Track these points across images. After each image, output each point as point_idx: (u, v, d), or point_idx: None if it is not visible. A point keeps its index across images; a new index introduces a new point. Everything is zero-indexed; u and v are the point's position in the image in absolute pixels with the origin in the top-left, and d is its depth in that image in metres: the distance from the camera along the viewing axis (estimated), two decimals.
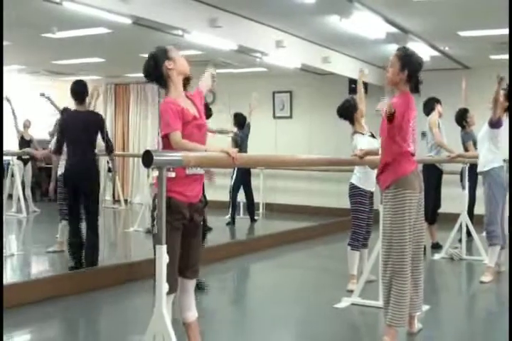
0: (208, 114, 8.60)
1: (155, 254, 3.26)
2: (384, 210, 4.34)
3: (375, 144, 5.30)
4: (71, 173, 6.09)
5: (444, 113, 8.02)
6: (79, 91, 6.26)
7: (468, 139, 8.40)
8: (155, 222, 3.32)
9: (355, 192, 5.85)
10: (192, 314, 3.66)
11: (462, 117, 8.51)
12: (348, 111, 5.88)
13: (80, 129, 6.08)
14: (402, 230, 4.21)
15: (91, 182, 6.14)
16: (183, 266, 3.49)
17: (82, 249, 6.14)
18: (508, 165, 6.51)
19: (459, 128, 8.70)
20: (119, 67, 11.50)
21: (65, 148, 6.32)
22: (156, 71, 3.66)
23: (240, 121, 9.95)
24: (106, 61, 10.47)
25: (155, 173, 2.96)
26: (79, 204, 6.14)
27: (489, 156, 6.45)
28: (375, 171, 4.63)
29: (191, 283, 3.63)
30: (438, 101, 7.95)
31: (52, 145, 6.98)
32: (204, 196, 9.91)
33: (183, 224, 3.45)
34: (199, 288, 5.26)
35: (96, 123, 6.30)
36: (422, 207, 4.38)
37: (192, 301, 3.66)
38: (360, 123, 5.89)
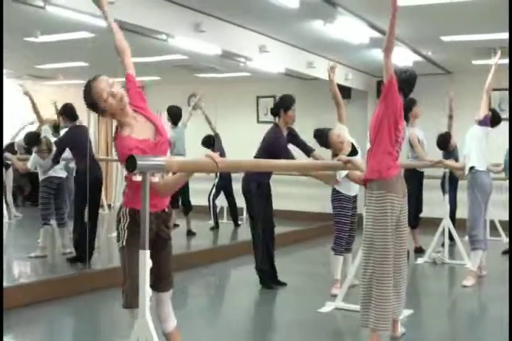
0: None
1: (123, 270, 3.31)
2: (366, 213, 4.36)
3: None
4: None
5: (425, 116, 8.01)
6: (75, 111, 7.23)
7: (449, 158, 8.33)
8: (121, 236, 3.31)
9: (337, 196, 5.88)
10: (170, 323, 3.54)
11: (445, 142, 8.42)
12: (322, 141, 5.84)
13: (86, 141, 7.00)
14: (384, 233, 4.23)
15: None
16: (155, 280, 3.23)
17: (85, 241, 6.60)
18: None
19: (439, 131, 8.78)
20: (103, 71, 11.29)
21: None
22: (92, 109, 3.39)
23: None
24: (89, 65, 10.43)
25: (138, 178, 2.93)
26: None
27: (480, 158, 6.51)
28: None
29: (166, 295, 3.49)
30: (414, 102, 7.83)
31: (33, 162, 7.22)
32: (189, 201, 9.96)
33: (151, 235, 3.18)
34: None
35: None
36: (405, 211, 4.40)
37: (169, 311, 3.53)
38: (337, 146, 5.79)
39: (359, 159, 5.10)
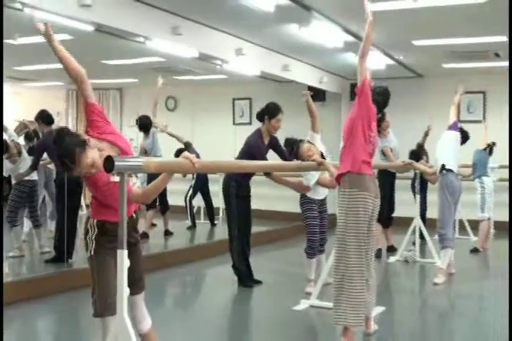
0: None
1: (92, 279, 3.32)
2: (339, 211, 4.38)
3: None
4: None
5: (397, 119, 8.05)
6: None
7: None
8: (89, 246, 3.33)
9: (304, 200, 5.90)
10: (145, 324, 3.55)
11: (417, 158, 8.18)
12: (291, 152, 5.72)
13: None
14: (356, 231, 4.24)
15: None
16: (128, 284, 3.02)
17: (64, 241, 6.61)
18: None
19: (412, 134, 8.84)
20: None
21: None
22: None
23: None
24: None
25: (116, 178, 2.91)
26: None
27: (450, 161, 6.59)
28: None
29: (139, 298, 3.50)
30: (383, 117, 7.29)
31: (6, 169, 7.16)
32: (166, 201, 9.92)
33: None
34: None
35: None
36: (376, 212, 4.43)
37: (144, 312, 3.54)
38: (305, 159, 5.59)
39: (330, 163, 5.13)
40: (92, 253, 3.34)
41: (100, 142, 3.24)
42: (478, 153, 8.45)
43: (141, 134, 8.80)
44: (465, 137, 7.08)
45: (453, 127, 6.76)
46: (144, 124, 8.73)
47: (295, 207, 6.02)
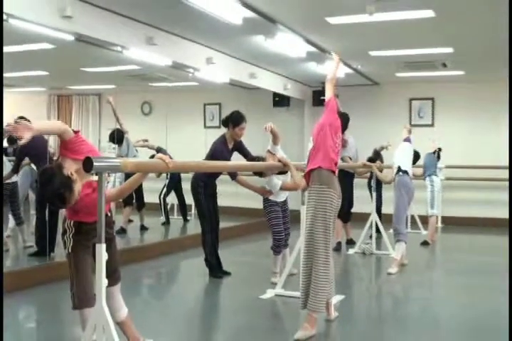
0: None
1: (70, 275, 3.35)
2: (307, 206, 4.42)
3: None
4: None
5: (355, 122, 8.09)
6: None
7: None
8: (67, 244, 3.33)
9: (266, 203, 5.90)
10: (122, 312, 3.56)
11: (375, 160, 8.44)
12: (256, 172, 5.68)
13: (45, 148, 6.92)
14: (324, 225, 4.27)
15: None
16: (105, 276, 2.97)
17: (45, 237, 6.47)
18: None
19: (369, 136, 8.89)
20: (62, 79, 11.25)
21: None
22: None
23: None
24: (50, 74, 10.23)
25: (95, 178, 2.89)
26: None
27: (406, 165, 6.86)
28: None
29: (116, 288, 3.52)
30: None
31: None
32: (142, 198, 9.83)
33: (94, 242, 2.97)
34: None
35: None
36: (338, 208, 4.47)
37: (120, 302, 3.56)
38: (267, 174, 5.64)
39: (293, 164, 5.16)
40: (70, 250, 3.35)
41: (77, 163, 3.10)
42: (428, 156, 8.66)
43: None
44: (416, 156, 7.47)
45: (407, 140, 7.04)
46: (113, 137, 8.71)
47: (260, 204, 6.02)
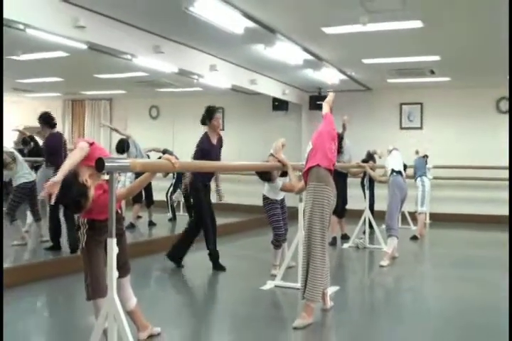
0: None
1: (85, 268, 3.36)
2: (306, 203, 4.42)
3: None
4: None
5: (349, 128, 8.08)
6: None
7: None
8: (81, 239, 3.37)
9: (266, 202, 5.91)
10: (131, 302, 3.58)
11: (371, 157, 8.85)
12: (265, 177, 5.67)
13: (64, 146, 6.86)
14: (321, 221, 4.27)
15: None
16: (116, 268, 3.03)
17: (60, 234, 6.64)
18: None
19: (362, 139, 8.89)
20: (76, 85, 11.27)
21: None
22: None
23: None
24: (64, 80, 10.24)
25: (106, 177, 2.91)
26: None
27: (400, 167, 7.04)
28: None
29: (125, 280, 3.54)
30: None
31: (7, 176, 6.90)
32: (151, 196, 9.83)
33: (106, 237, 3.01)
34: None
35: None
36: (334, 205, 4.47)
37: (129, 292, 3.58)
38: (274, 178, 5.69)
39: (290, 168, 5.20)
40: (84, 245, 3.37)
41: (89, 169, 3.16)
42: (418, 159, 8.95)
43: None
44: (404, 166, 7.51)
45: (395, 149, 7.39)
46: (116, 147, 8.75)
47: (258, 202, 6.02)
